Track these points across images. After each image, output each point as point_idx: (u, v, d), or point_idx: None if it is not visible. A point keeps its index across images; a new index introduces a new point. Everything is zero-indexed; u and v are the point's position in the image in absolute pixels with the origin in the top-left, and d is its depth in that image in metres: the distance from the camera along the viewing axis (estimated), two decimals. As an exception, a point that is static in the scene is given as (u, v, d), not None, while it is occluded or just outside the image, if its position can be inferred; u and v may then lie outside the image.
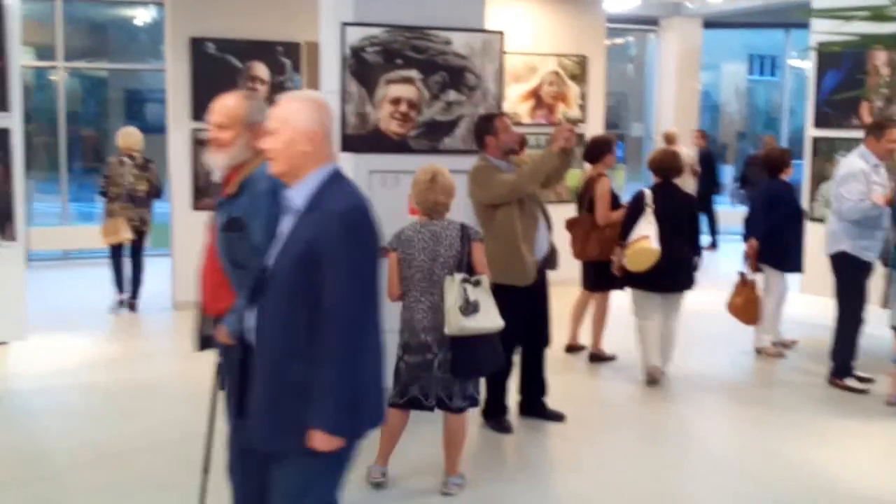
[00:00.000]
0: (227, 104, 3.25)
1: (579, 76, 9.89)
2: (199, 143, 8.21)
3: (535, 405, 5.38)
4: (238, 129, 3.20)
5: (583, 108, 9.93)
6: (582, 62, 9.89)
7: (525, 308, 5.02)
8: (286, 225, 2.69)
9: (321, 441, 2.49)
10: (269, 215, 3.02)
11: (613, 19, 11.43)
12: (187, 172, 8.31)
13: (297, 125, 2.59)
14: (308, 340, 2.51)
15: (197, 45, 8.12)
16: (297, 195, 2.64)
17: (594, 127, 9.85)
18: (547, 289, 5.29)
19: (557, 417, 5.33)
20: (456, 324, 3.99)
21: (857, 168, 5.85)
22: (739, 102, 24.97)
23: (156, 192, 8.11)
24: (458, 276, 4.05)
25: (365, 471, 4.26)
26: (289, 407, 2.54)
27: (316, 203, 2.59)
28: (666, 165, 6.22)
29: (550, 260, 5.35)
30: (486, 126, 5.08)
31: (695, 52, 13.52)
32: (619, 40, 16.96)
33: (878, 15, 2.03)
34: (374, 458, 4.28)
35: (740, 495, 4.35)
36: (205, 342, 3.43)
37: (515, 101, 9.59)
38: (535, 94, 9.71)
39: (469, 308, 4.01)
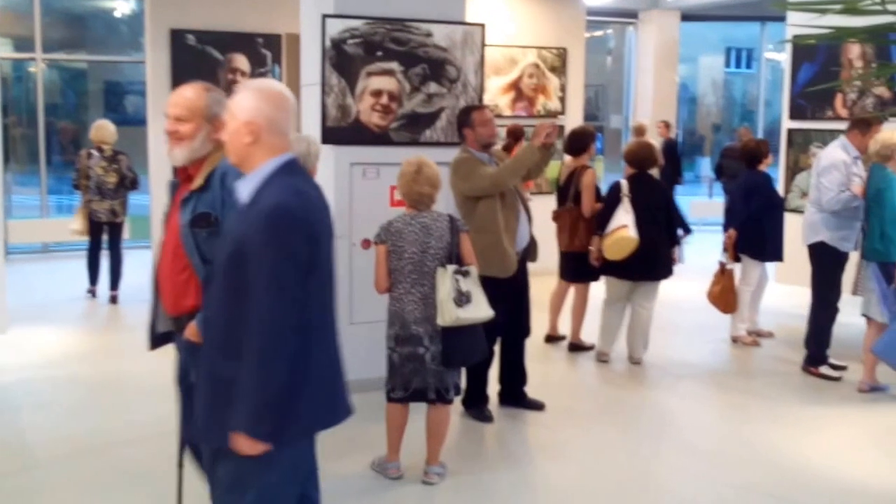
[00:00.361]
0: (186, 96, 3.17)
1: (559, 68, 9.95)
2: (179, 136, 8.21)
3: (515, 395, 5.44)
4: (198, 121, 3.13)
5: (562, 100, 10.01)
6: (562, 54, 9.95)
7: (506, 299, 5.08)
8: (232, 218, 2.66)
9: (240, 443, 2.44)
10: None
11: (593, 12, 11.51)
12: (167, 165, 8.27)
13: (240, 116, 2.54)
14: (237, 339, 2.46)
15: (177, 36, 8.11)
16: (243, 188, 2.58)
17: (574, 119, 9.93)
18: (527, 280, 5.35)
19: (537, 406, 5.40)
20: (451, 315, 4.03)
21: (838, 159, 5.94)
22: (716, 95, 25.17)
23: (129, 183, 8.07)
24: (451, 268, 4.09)
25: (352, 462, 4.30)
26: (222, 404, 2.50)
27: (258, 197, 2.52)
28: (641, 157, 6.32)
29: (530, 252, 5.41)
30: (465, 119, 5.12)
31: (673, 44, 13.62)
32: (598, 33, 17.04)
33: (850, 8, 2.08)
34: (384, 454, 4.38)
35: (716, 481, 4.43)
36: (158, 340, 3.34)
37: (496, 94, 9.64)
38: (516, 87, 9.77)
39: (463, 299, 4.07)
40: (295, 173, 2.59)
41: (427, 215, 4.20)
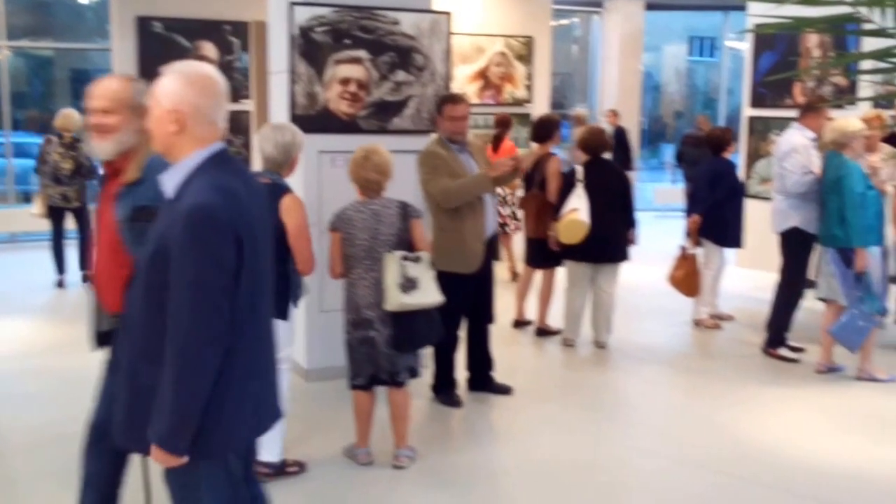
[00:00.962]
0: (110, 87, 3.06)
1: (525, 57, 10.04)
2: (145, 123, 8.19)
3: (482, 380, 5.54)
4: (125, 113, 3.02)
5: (529, 88, 10.10)
6: (528, 43, 10.04)
7: (469, 290, 5.19)
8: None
9: (157, 454, 2.33)
10: None
11: (559, 0, 11.60)
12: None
13: (163, 102, 2.37)
14: (161, 344, 2.30)
15: (143, 24, 8.06)
16: (168, 182, 2.41)
17: (540, 106, 10.03)
18: (492, 268, 5.44)
19: (504, 390, 5.50)
20: (395, 300, 4.10)
21: (797, 142, 6.09)
22: (680, 83, 25.43)
23: (85, 172, 8.01)
24: (398, 254, 4.15)
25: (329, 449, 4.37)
26: (142, 410, 2.36)
27: (182, 193, 2.35)
28: (593, 143, 6.44)
29: (495, 249, 5.49)
30: (439, 107, 5.18)
31: (637, 33, 13.77)
32: (564, 21, 17.15)
33: (806, 0, 2.16)
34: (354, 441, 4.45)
35: (676, 460, 4.56)
36: (103, 339, 3.25)
37: (463, 82, 9.71)
38: (483, 75, 9.84)
39: (408, 285, 4.12)
40: (223, 166, 2.41)
41: (378, 202, 4.27)
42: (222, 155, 2.43)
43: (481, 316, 5.43)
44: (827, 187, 5.71)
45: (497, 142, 8.26)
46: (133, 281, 2.45)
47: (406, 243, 4.23)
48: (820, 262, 5.90)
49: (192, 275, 2.24)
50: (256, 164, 8.39)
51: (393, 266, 4.12)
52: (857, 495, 4.15)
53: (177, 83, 2.36)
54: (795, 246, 6.17)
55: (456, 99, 5.22)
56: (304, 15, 5.35)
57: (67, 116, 7.96)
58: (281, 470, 4.19)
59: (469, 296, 5.21)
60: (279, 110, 5.65)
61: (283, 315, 4.12)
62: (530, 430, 4.97)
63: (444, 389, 5.34)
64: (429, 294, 4.19)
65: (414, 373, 4.39)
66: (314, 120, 5.44)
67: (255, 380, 2.45)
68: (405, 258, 4.16)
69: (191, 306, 2.24)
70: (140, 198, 2.99)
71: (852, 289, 5.59)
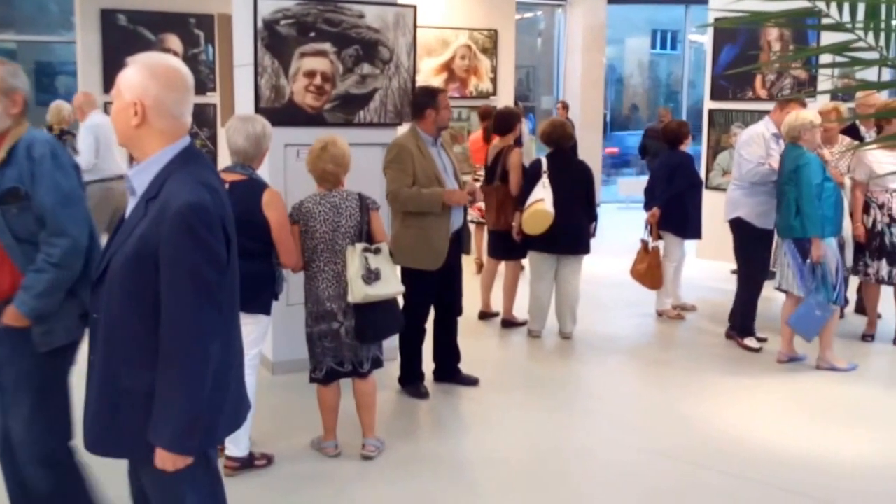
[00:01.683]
0: None
1: (490, 50, 10.08)
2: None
3: (449, 371, 5.58)
4: None
5: (494, 80, 10.14)
6: (493, 36, 10.08)
7: (434, 284, 5.22)
8: (129, 210, 2.39)
9: (165, 460, 2.28)
10: (54, 179, 2.93)
11: (523, -7, 11.65)
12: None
13: (125, 94, 2.31)
14: (146, 347, 2.26)
15: (107, 16, 7.97)
16: (136, 179, 2.34)
17: (505, 99, 10.08)
18: (459, 259, 5.47)
19: (471, 382, 5.55)
20: (360, 292, 4.13)
21: (758, 132, 6.21)
22: (643, 76, 25.64)
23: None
24: (359, 246, 4.18)
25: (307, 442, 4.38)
26: (124, 415, 2.32)
27: (155, 191, 2.28)
28: (556, 135, 6.51)
29: (463, 242, 5.53)
30: (429, 100, 5.17)
31: (600, 26, 13.87)
32: (528, 14, 17.21)
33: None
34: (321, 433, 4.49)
35: (640, 450, 4.64)
36: None
37: (429, 75, 9.73)
38: (448, 68, 9.87)
39: (371, 276, 4.16)
40: (195, 162, 2.38)
41: (337, 194, 4.28)
42: (191, 150, 2.39)
43: (449, 308, 5.46)
44: (784, 178, 5.81)
45: (488, 133, 8.05)
46: (103, 285, 2.35)
47: (365, 235, 4.26)
48: (778, 252, 6.01)
49: (192, 272, 2.21)
50: (224, 158, 8.35)
51: (355, 258, 4.15)
52: (816, 481, 4.26)
53: (140, 75, 2.30)
54: (741, 235, 6.28)
55: (441, 89, 5.36)
56: (268, 8, 5.33)
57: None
58: (249, 463, 4.20)
59: (433, 289, 5.24)
60: (244, 103, 5.62)
61: (267, 310, 4.15)
62: (496, 420, 5.01)
63: (410, 381, 5.37)
64: (391, 285, 4.24)
65: (378, 363, 4.41)
66: (280, 113, 5.42)
67: (231, 373, 2.45)
68: (366, 250, 4.19)
69: (194, 304, 2.21)
70: (7, 180, 2.93)
71: (808, 279, 5.71)
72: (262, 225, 3.99)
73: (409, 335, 5.24)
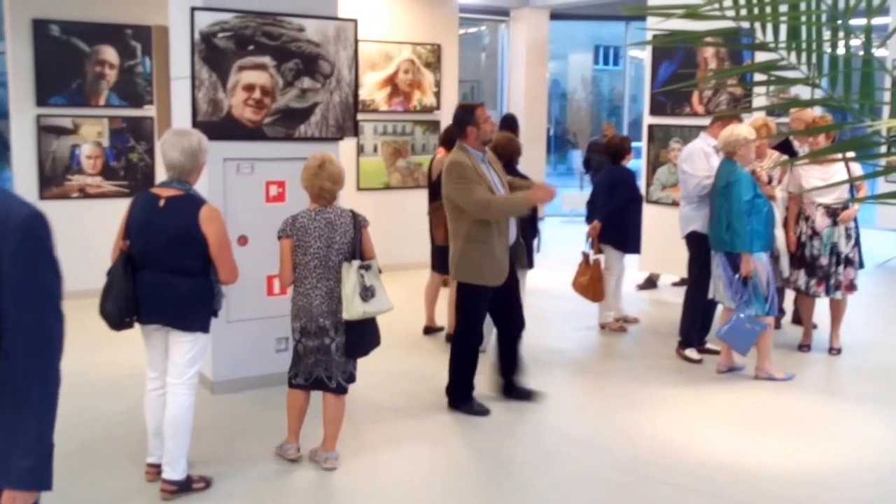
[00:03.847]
0: None
1: (434, 64, 10.09)
2: (44, 130, 7.89)
3: (513, 385, 5.53)
4: None
5: (437, 95, 10.15)
6: (436, 50, 10.09)
7: (489, 301, 5.18)
8: None
9: (20, 497, 2.01)
10: None
11: (466, 9, 11.71)
12: (32, 160, 7.94)
13: None
14: None
15: (39, 26, 7.75)
16: None
17: (448, 113, 10.07)
18: (515, 275, 5.43)
19: (530, 396, 5.49)
20: (358, 309, 4.18)
21: (697, 147, 6.32)
22: (586, 90, 26.00)
23: None
24: (355, 263, 4.22)
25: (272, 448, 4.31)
26: None
27: None
28: (509, 149, 6.51)
29: (519, 256, 5.50)
30: (468, 116, 5.13)
31: (543, 41, 14.02)
32: (472, 29, 17.32)
33: (692, 13, 2.24)
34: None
35: (582, 462, 4.66)
36: None
37: (372, 89, 9.69)
38: (392, 82, 9.85)
39: (367, 294, 4.21)
40: None
41: (331, 211, 4.31)
42: None
43: (513, 322, 5.41)
44: (717, 192, 5.92)
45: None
46: None
47: (357, 252, 4.29)
48: (711, 265, 6.10)
49: (47, 287, 2.05)
50: (161, 172, 8.21)
51: (351, 275, 4.19)
52: (755, 489, 4.31)
53: None
54: (697, 248, 6.37)
55: (479, 104, 5.28)
56: (205, 20, 5.25)
57: None
58: (187, 487, 4.11)
59: (488, 306, 5.22)
60: (181, 117, 5.53)
61: (205, 327, 4.09)
62: (439, 435, 4.99)
63: (466, 400, 5.29)
64: (384, 302, 4.30)
65: (353, 378, 4.45)
66: (218, 127, 5.34)
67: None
68: (361, 267, 4.23)
69: (53, 322, 2.05)
70: None
71: (738, 292, 5.81)
72: (199, 241, 3.94)
73: (464, 353, 5.21)
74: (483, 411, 5.25)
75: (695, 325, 6.49)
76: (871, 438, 5.04)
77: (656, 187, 8.85)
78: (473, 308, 5.06)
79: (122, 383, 5.72)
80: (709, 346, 6.57)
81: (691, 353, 6.47)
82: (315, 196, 4.34)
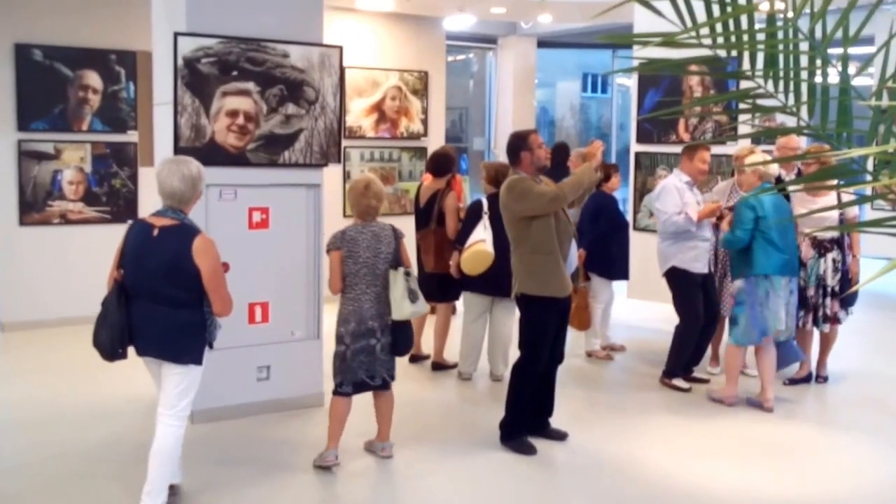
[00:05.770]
0: None
1: (421, 91, 10.11)
2: (25, 155, 7.83)
3: (542, 424, 5.35)
4: None
5: (424, 122, 10.16)
6: (423, 77, 10.11)
7: (554, 321, 5.10)
8: None
9: None
10: None
11: (455, 37, 11.76)
12: (13, 185, 7.87)
13: None
14: None
15: (22, 51, 7.71)
16: None
17: (436, 140, 10.09)
18: (570, 306, 5.36)
19: (560, 437, 5.34)
20: (407, 310, 4.64)
21: (670, 184, 6.32)
22: (574, 118, 26.11)
23: None
24: (401, 270, 4.69)
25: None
26: None
27: None
28: (501, 177, 6.49)
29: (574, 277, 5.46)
30: (521, 143, 5.07)
31: (530, 69, 14.06)
32: (461, 57, 17.39)
33: (668, 42, 2.23)
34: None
35: (563, 489, 4.59)
36: None
37: (359, 115, 9.69)
38: (379, 108, 9.85)
39: (413, 296, 4.68)
40: None
41: (375, 225, 4.75)
42: None
43: (551, 355, 5.22)
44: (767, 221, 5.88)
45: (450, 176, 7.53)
46: None
47: (397, 261, 4.75)
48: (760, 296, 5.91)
49: None
50: (144, 199, 8.14)
51: (400, 281, 4.66)
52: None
53: None
54: (677, 284, 6.35)
55: (532, 130, 5.28)
56: (188, 45, 5.23)
57: None
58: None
59: (553, 329, 5.12)
60: (164, 142, 5.49)
61: (198, 360, 4.03)
62: (424, 465, 4.91)
63: (516, 435, 5.14)
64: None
65: (394, 376, 4.86)
66: (200, 153, 5.24)
67: None
68: (406, 273, 4.70)
69: None
70: None
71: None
72: (192, 272, 3.89)
73: (524, 379, 5.09)
74: (532, 451, 5.08)
75: (681, 361, 6.45)
76: (860, 467, 4.99)
77: (644, 214, 8.85)
78: (536, 328, 4.96)
79: (106, 412, 5.63)
80: (696, 374, 6.53)
81: (679, 381, 6.42)
82: (362, 213, 4.74)
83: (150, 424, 4.11)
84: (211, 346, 4.10)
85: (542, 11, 10.40)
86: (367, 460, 4.96)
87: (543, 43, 14.33)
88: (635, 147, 9.00)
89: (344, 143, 9.58)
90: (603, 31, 12.73)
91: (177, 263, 3.85)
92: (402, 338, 4.80)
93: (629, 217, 8.69)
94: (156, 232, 3.93)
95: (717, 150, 7.74)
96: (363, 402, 4.92)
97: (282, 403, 5.69)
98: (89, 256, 8.09)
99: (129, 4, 8.03)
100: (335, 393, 4.75)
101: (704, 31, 2.07)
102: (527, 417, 5.21)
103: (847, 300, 6.37)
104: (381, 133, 9.86)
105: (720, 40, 2.04)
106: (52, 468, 4.74)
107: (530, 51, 14.05)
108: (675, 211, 6.18)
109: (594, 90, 26.22)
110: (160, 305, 3.91)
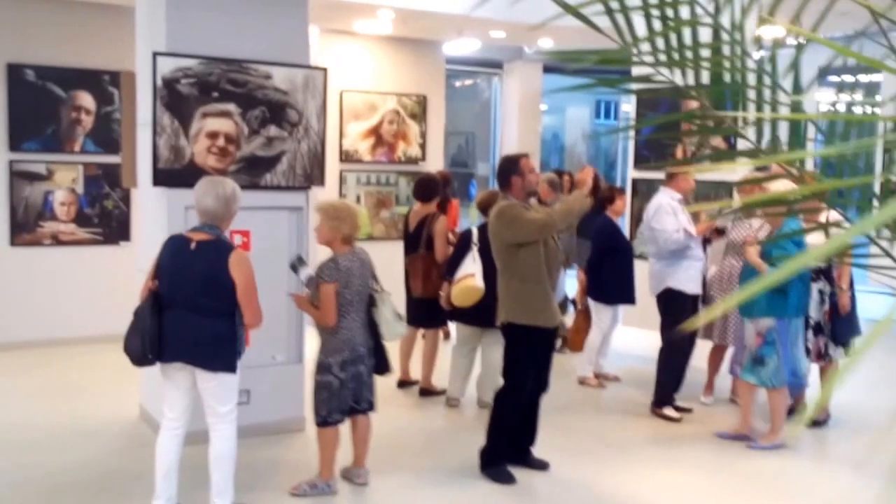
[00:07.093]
0: None
1: (419, 115, 10.05)
2: (17, 175, 7.81)
3: (524, 452, 5.24)
4: None
5: (423, 146, 10.09)
6: (422, 101, 10.06)
7: (539, 351, 5.03)
8: None
9: None
10: None
11: (460, 61, 11.72)
12: (4, 206, 7.85)
13: None
14: None
15: (14, 71, 7.72)
16: None
17: (434, 164, 10.02)
18: (556, 335, 5.27)
19: (542, 466, 5.24)
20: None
21: (663, 202, 6.20)
22: (585, 144, 26.07)
23: None
24: (386, 292, 4.74)
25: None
26: None
27: None
28: (487, 205, 6.39)
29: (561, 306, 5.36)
30: (512, 166, 4.99)
31: (535, 94, 14.02)
32: (468, 81, 17.38)
33: (605, 59, 2.16)
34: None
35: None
36: None
37: (356, 139, 9.64)
38: (376, 132, 9.79)
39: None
40: None
41: (358, 251, 4.68)
42: None
43: (536, 382, 5.12)
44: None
45: (444, 201, 7.55)
46: None
47: (375, 282, 4.76)
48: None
49: None
50: (139, 221, 8.09)
51: (387, 303, 4.69)
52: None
53: None
54: (669, 306, 6.22)
55: (523, 154, 5.16)
56: (168, 66, 5.18)
57: None
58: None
59: (537, 360, 5.04)
60: (145, 163, 5.43)
61: (232, 367, 4.18)
62: (406, 492, 4.79)
63: (496, 462, 5.03)
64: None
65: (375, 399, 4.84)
66: (179, 175, 5.23)
67: None
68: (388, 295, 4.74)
69: None
70: None
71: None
72: (227, 285, 4.07)
73: (506, 408, 5.00)
74: (511, 480, 4.98)
75: (668, 388, 6.30)
76: (851, 501, 4.83)
77: (640, 241, 8.70)
78: (521, 357, 4.86)
79: (100, 430, 5.54)
80: (679, 404, 6.37)
81: (669, 411, 6.27)
82: (346, 240, 4.62)
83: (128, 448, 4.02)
84: (240, 356, 4.22)
85: (541, 35, 10.34)
86: (342, 488, 4.83)
87: (549, 68, 14.29)
88: (633, 173, 8.87)
89: (340, 166, 9.54)
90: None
91: (214, 275, 4.04)
92: (383, 358, 4.79)
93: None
94: (193, 245, 4.13)
95: (709, 176, 7.60)
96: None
97: (262, 428, 5.59)
98: (80, 278, 8.05)
99: (122, 26, 8.01)
100: (325, 425, 4.61)
101: (645, 47, 1.97)
102: (507, 446, 5.08)
103: (840, 337, 6.08)
104: (378, 157, 9.80)
105: (662, 57, 1.94)
106: (47, 485, 4.63)
107: (536, 76, 14.00)
108: (674, 229, 6.07)
109: (607, 116, 26.16)
110: (194, 315, 4.07)
